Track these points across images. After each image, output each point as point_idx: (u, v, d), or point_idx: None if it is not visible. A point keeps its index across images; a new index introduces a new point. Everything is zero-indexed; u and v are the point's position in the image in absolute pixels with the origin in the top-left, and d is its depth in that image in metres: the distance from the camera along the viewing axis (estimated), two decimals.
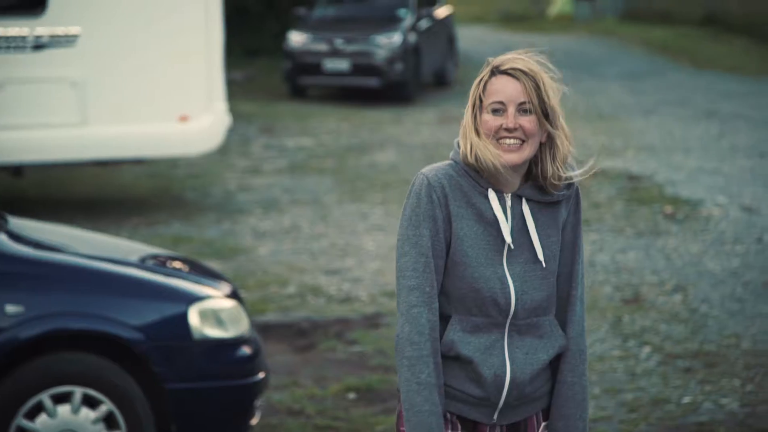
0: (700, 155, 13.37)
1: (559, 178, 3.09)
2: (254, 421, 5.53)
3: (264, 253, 9.57)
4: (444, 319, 3.10)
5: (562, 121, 3.09)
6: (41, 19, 10.39)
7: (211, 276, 5.94)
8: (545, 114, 3.05)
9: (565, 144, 3.08)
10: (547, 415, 3.21)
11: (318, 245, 9.80)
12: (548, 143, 3.08)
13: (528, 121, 3.04)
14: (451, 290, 3.07)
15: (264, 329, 7.40)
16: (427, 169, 3.11)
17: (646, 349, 7.21)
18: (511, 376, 3.09)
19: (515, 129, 3.04)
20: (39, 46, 10.43)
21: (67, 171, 12.37)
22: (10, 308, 5.21)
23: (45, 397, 5.18)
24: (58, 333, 5.25)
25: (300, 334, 7.61)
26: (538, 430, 3.19)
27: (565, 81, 3.14)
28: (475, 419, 3.11)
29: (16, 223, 5.91)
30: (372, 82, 17.66)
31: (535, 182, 3.11)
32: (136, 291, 5.43)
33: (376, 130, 15.48)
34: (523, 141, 3.04)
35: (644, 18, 28.49)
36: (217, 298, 5.51)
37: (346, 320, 7.86)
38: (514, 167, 3.06)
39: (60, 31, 10.41)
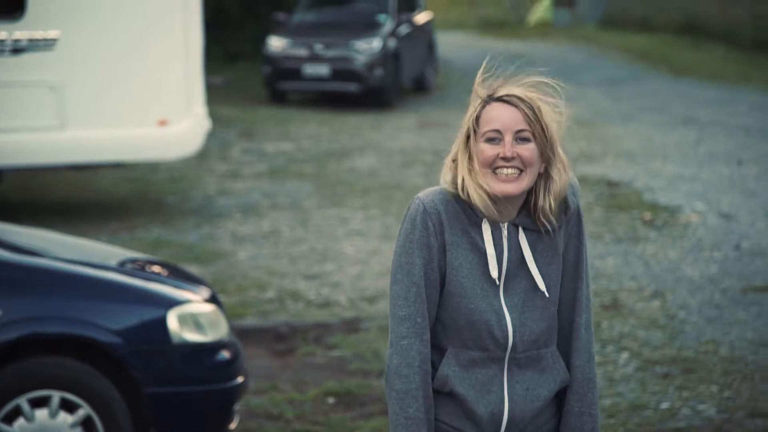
0: (678, 162, 13.43)
1: (547, 215, 2.93)
2: (233, 426, 5.53)
3: (243, 258, 9.56)
4: (440, 351, 2.95)
5: (559, 150, 2.95)
6: (20, 22, 10.36)
7: (191, 280, 5.94)
8: (543, 143, 2.92)
9: (562, 176, 2.93)
10: None
11: (297, 250, 9.80)
12: (544, 174, 2.93)
13: (526, 150, 2.90)
14: (447, 322, 2.93)
15: (243, 334, 7.39)
16: (424, 194, 2.96)
17: (625, 355, 7.23)
18: (509, 415, 2.93)
19: (513, 158, 2.89)
20: (18, 49, 10.40)
21: (45, 175, 12.33)
22: None
23: (23, 402, 5.16)
24: (36, 337, 5.24)
25: (279, 339, 7.61)
26: None
27: (545, 76, 3.02)
28: None
29: None
30: (352, 87, 17.68)
31: (529, 213, 2.97)
32: (115, 295, 5.42)
33: (356, 135, 15.49)
34: (522, 170, 2.89)
35: (623, 25, 28.60)
36: (196, 302, 5.51)
37: (325, 325, 7.86)
38: (511, 198, 2.91)
39: (39, 34, 10.38)
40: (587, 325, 3.01)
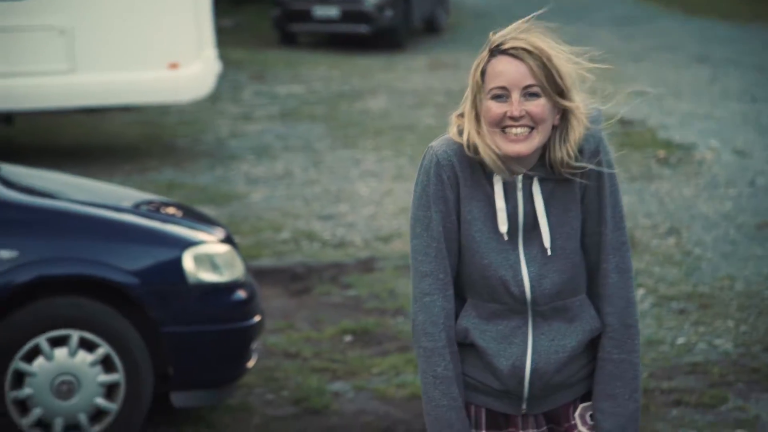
0: (692, 100, 13.36)
1: (569, 165, 2.77)
2: (251, 364, 5.54)
3: (257, 199, 9.56)
4: (461, 303, 2.85)
5: (576, 97, 2.76)
6: None
7: (205, 221, 5.94)
8: (558, 93, 2.73)
9: (580, 124, 2.76)
10: (587, 397, 2.89)
11: (311, 191, 9.79)
12: (560, 124, 2.77)
13: (536, 106, 2.71)
14: (464, 276, 2.83)
15: (259, 274, 7.40)
16: (437, 144, 2.80)
17: (641, 292, 7.23)
18: (532, 367, 2.81)
19: (522, 117, 2.71)
20: None
21: (57, 118, 12.31)
22: (5, 253, 5.20)
23: (42, 341, 5.18)
24: (53, 278, 5.25)
25: (295, 279, 7.62)
26: (574, 413, 2.88)
27: (558, 28, 2.85)
28: (502, 411, 2.86)
29: (8, 169, 5.88)
30: (362, 28, 17.57)
31: (547, 161, 2.81)
32: (131, 236, 5.42)
33: (367, 76, 15.42)
34: (532, 128, 2.72)
35: None
36: (211, 242, 5.51)
37: (340, 265, 7.87)
38: (523, 158, 2.75)
39: None
40: (620, 270, 2.84)
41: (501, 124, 2.72)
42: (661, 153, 10.81)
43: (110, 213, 5.52)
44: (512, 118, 2.71)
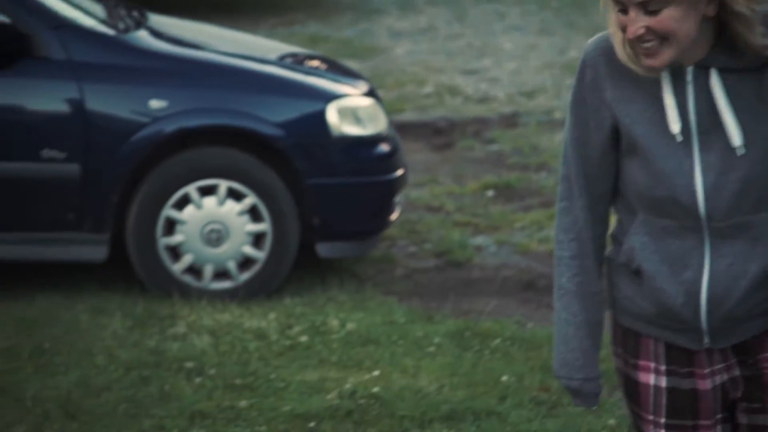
0: None
1: (749, 50, 2.39)
2: (394, 217, 5.60)
3: (400, 53, 9.53)
4: (630, 220, 2.56)
5: None
6: None
7: (349, 75, 5.95)
8: None
9: (743, 11, 2.34)
10: None
11: (455, 45, 9.72)
12: (716, 16, 2.38)
13: (658, 21, 2.36)
14: (630, 187, 2.54)
15: (401, 128, 7.42)
16: (592, 40, 2.53)
17: None
18: (708, 295, 2.49)
19: (642, 35, 2.36)
20: None
21: None
22: (155, 103, 5.30)
23: (191, 189, 5.31)
24: (201, 128, 5.34)
25: (437, 133, 7.63)
26: None
27: None
28: (683, 345, 2.55)
29: (156, 19, 5.96)
30: None
31: (728, 45, 2.41)
32: (276, 88, 5.48)
33: None
34: (663, 39, 2.36)
35: None
36: (354, 96, 5.53)
37: (483, 120, 7.83)
38: (658, 70, 2.41)
39: None
40: None
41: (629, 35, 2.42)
42: None
43: (255, 65, 5.57)
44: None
